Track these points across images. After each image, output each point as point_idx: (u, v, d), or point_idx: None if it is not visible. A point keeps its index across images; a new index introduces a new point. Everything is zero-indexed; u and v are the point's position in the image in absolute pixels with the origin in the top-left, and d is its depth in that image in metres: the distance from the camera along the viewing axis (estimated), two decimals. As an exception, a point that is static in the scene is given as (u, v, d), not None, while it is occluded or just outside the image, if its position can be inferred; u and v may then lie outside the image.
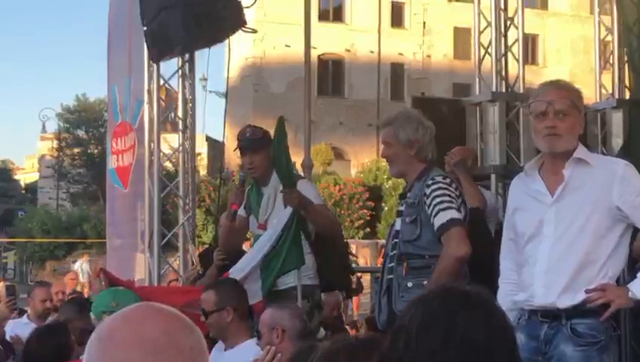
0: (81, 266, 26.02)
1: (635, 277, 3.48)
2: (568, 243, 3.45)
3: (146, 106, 6.27)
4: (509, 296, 3.60)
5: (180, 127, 6.47)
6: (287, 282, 4.94)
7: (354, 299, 19.53)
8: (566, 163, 3.49)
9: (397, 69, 41.33)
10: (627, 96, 7.95)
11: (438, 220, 4.13)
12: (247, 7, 5.91)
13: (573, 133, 3.47)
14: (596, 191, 3.44)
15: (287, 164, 4.95)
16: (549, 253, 3.48)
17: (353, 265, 6.73)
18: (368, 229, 30.28)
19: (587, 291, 3.40)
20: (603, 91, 8.18)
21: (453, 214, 4.13)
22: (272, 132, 5.06)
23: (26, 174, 65.73)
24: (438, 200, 4.16)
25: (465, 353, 1.65)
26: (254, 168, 5.12)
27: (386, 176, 31.89)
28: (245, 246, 5.99)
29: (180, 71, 6.40)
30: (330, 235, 5.01)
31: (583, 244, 3.44)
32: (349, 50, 40.42)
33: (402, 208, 4.37)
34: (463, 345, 1.65)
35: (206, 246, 9.56)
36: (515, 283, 3.64)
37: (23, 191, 62.61)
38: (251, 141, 5.11)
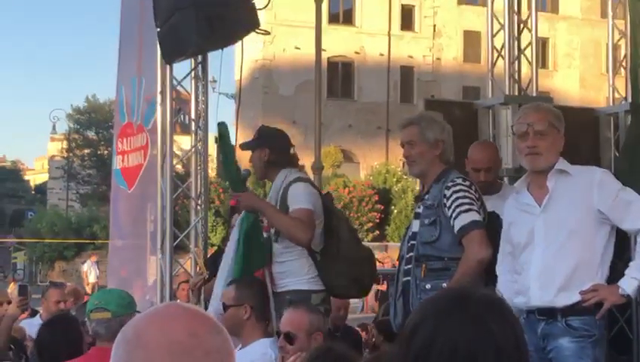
0: (90, 267, 26.09)
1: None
2: (558, 246, 3.79)
3: (158, 107, 6.26)
4: (509, 284, 3.92)
5: (193, 128, 6.46)
6: (283, 285, 4.85)
7: (365, 299, 19.58)
8: (548, 175, 3.84)
9: (407, 72, 41.29)
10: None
11: (459, 222, 4.10)
12: (260, 9, 5.90)
13: (552, 151, 3.84)
14: (579, 197, 3.78)
15: (234, 170, 5.04)
16: (542, 258, 3.81)
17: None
18: (377, 232, 30.26)
19: (581, 293, 3.70)
20: (616, 95, 8.15)
21: (474, 216, 4.11)
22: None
23: (36, 175, 66.00)
24: (458, 201, 4.14)
25: (445, 360, 1.59)
26: (251, 166, 5.15)
27: (395, 179, 31.89)
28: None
29: (192, 72, 6.40)
30: (295, 242, 4.83)
31: (573, 247, 3.77)
32: (358, 53, 40.41)
33: (420, 210, 4.34)
34: (444, 351, 1.60)
35: (215, 247, 9.54)
36: (514, 281, 3.94)
37: (33, 192, 62.86)
38: (247, 142, 5.14)
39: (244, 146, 5.15)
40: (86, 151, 46.96)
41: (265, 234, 5.01)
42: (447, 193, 4.18)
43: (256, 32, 5.85)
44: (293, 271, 4.84)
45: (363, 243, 5.58)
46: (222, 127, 5.09)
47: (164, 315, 1.46)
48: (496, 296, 1.75)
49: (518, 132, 3.88)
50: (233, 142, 5.62)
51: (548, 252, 3.79)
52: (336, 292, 5.05)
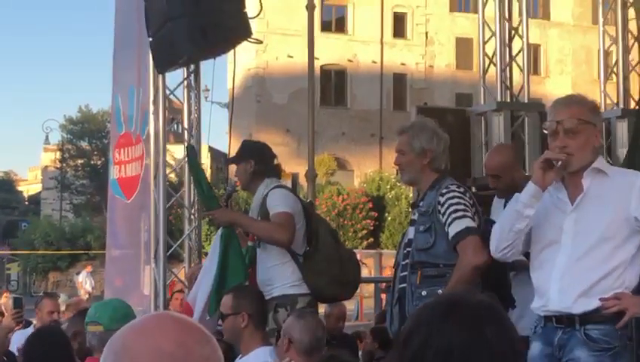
0: (85, 278, 26.02)
1: None
2: (585, 251, 3.50)
3: (151, 117, 6.26)
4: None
5: (186, 137, 6.46)
6: (269, 291, 4.91)
7: (360, 307, 19.54)
8: (584, 173, 3.53)
9: (399, 79, 41.35)
10: (632, 105, 7.96)
11: (453, 229, 4.11)
12: (252, 18, 5.91)
13: (586, 149, 3.52)
14: (614, 201, 3.50)
15: (205, 190, 5.23)
16: (567, 260, 3.53)
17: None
18: (372, 239, 30.26)
19: (602, 299, 3.43)
20: (608, 101, 8.19)
21: (468, 223, 4.11)
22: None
23: (29, 185, 65.79)
24: (452, 208, 4.14)
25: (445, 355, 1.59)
26: (238, 179, 5.35)
27: (389, 186, 31.92)
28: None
29: (185, 82, 6.40)
30: (275, 244, 4.99)
31: (600, 253, 3.48)
32: (351, 61, 40.46)
33: (415, 217, 4.36)
34: (439, 354, 1.59)
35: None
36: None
37: (26, 203, 62.64)
38: (234, 156, 5.31)
39: (231, 162, 5.32)
40: (79, 161, 46.85)
41: (250, 243, 5.16)
42: (442, 200, 4.19)
43: (249, 41, 5.87)
44: (278, 277, 4.93)
45: (357, 250, 5.66)
46: (190, 150, 5.36)
47: (151, 326, 1.43)
48: (491, 301, 1.73)
49: (549, 131, 3.56)
50: (225, 150, 5.75)
51: (574, 255, 3.52)
52: (321, 294, 5.09)
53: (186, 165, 5.29)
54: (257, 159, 5.16)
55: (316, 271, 4.94)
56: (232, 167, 5.67)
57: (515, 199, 3.67)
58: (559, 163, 3.52)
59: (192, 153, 5.48)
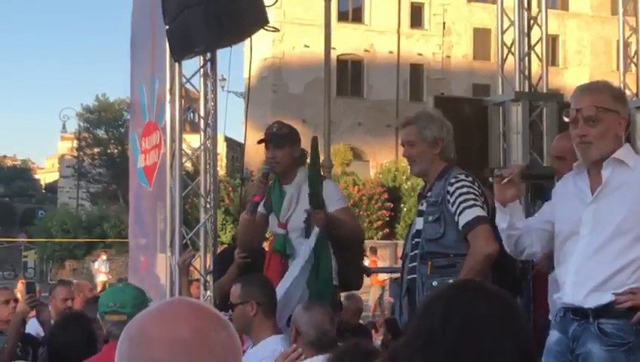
0: (100, 265, 26.14)
1: None
2: (602, 244, 3.43)
3: (167, 105, 6.26)
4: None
5: (202, 126, 6.45)
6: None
7: (371, 299, 19.55)
8: (604, 164, 3.46)
9: (416, 70, 41.22)
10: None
11: (464, 218, 4.09)
12: (269, 7, 5.88)
13: (607, 138, 3.44)
14: (633, 193, 3.42)
15: (318, 186, 4.94)
16: (583, 253, 3.47)
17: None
18: (387, 230, 30.23)
19: (616, 294, 3.37)
20: (627, 92, 8.10)
21: (478, 212, 4.09)
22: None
23: (47, 174, 66.21)
24: (462, 198, 4.13)
25: (465, 327, 1.61)
26: (276, 162, 5.08)
27: (405, 177, 31.83)
28: (266, 246, 5.96)
29: (201, 70, 6.39)
30: (351, 243, 4.93)
31: (616, 246, 3.41)
32: (368, 51, 40.36)
33: (423, 207, 4.33)
34: (459, 322, 1.61)
35: (225, 246, 9.53)
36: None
37: (43, 191, 63.07)
38: (275, 135, 5.09)
39: (277, 142, 5.06)
40: (96, 150, 47.07)
41: (282, 231, 5.04)
42: (451, 189, 4.17)
43: (265, 29, 5.83)
44: None
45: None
46: (314, 142, 5.03)
47: (167, 312, 1.43)
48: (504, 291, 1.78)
49: (570, 118, 3.49)
50: (241, 139, 5.66)
51: (590, 247, 3.45)
52: (346, 283, 5.11)
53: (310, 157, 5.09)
54: (300, 144, 5.12)
55: (347, 260, 4.95)
56: (249, 155, 5.62)
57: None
58: (505, 180, 3.57)
59: (315, 146, 5.04)
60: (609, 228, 3.42)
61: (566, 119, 3.54)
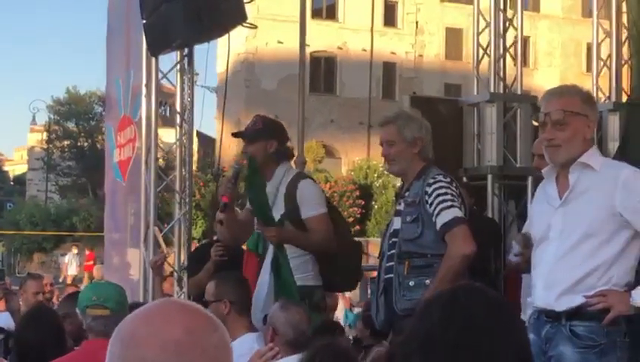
0: (71, 259, 25.94)
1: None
2: (571, 246, 3.45)
3: (143, 100, 6.23)
4: None
5: (178, 121, 6.43)
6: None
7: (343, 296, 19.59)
8: (570, 168, 3.48)
9: (389, 68, 41.29)
10: (624, 98, 7.97)
11: (442, 219, 4.11)
12: (247, 3, 5.87)
13: (574, 142, 3.45)
14: (600, 196, 3.43)
15: (262, 203, 4.83)
16: (552, 256, 3.49)
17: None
18: (358, 227, 30.29)
19: (587, 297, 3.39)
20: (599, 95, 8.19)
21: (456, 213, 4.12)
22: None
23: (15, 166, 65.41)
24: (440, 198, 4.14)
25: (465, 328, 1.63)
26: (250, 158, 4.91)
27: (376, 175, 31.95)
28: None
29: (178, 65, 6.36)
30: (323, 254, 4.79)
31: (584, 249, 3.43)
32: (341, 48, 40.36)
33: (400, 207, 4.34)
34: (461, 321, 1.63)
35: (194, 241, 9.48)
36: None
37: (12, 183, 62.31)
38: (248, 130, 4.96)
39: (249, 138, 4.90)
40: (66, 142, 46.56)
41: (258, 229, 4.96)
42: (429, 190, 4.19)
43: (243, 26, 5.84)
44: (299, 268, 4.77)
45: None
46: (252, 160, 4.84)
47: (159, 313, 1.42)
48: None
49: (539, 122, 3.54)
50: (213, 134, 5.55)
51: (559, 251, 3.47)
52: (333, 286, 5.06)
53: (247, 177, 4.85)
54: (280, 140, 4.86)
55: (338, 265, 4.84)
56: (224, 151, 5.57)
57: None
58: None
59: (253, 163, 4.85)
60: (577, 231, 3.44)
61: (535, 123, 3.59)
